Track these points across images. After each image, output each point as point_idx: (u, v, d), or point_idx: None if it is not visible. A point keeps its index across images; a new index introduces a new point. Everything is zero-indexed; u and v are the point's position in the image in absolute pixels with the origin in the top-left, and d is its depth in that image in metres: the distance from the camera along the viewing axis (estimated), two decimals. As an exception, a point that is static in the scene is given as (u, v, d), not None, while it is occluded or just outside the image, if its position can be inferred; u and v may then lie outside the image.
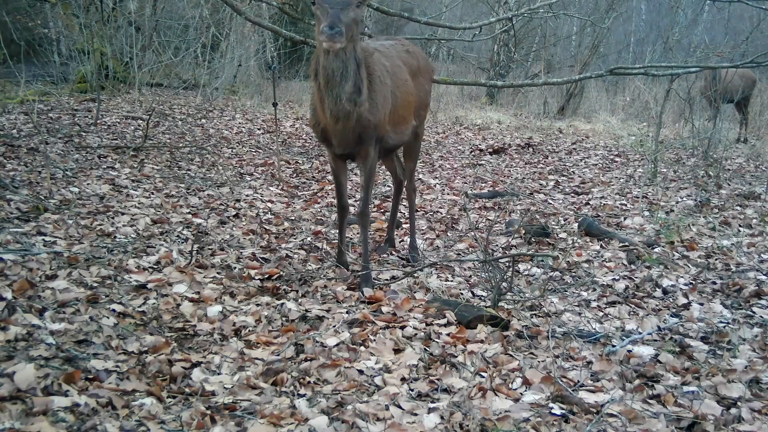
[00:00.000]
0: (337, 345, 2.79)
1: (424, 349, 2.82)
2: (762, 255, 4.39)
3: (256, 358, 2.67)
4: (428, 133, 10.39)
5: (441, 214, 5.48)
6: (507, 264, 3.53)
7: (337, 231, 3.88)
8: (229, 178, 6.16)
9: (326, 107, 3.26)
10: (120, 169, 5.75)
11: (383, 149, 3.69)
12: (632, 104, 14.04)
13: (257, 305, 3.20)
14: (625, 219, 5.39)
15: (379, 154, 3.65)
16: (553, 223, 5.27)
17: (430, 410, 2.34)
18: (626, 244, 4.57)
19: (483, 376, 2.62)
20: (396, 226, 4.96)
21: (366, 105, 3.30)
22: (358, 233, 4.46)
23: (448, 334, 2.97)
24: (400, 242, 4.62)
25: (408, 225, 5.06)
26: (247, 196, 5.56)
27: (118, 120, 8.26)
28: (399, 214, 5.39)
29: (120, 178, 5.46)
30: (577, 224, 5.11)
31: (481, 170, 7.63)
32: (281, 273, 3.65)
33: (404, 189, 4.43)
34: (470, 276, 3.96)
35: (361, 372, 2.59)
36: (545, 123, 12.25)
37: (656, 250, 4.47)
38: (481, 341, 2.93)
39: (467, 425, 2.24)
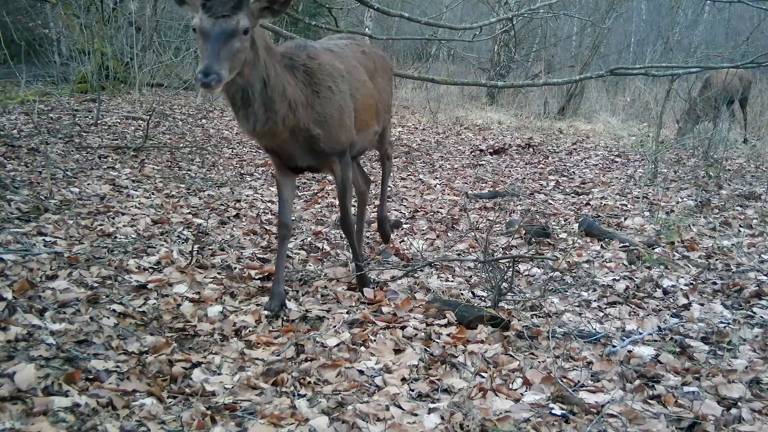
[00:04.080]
0: (338, 345, 2.79)
1: (425, 349, 2.82)
2: (762, 255, 4.38)
3: (257, 359, 2.67)
4: (428, 133, 10.40)
5: (441, 214, 5.48)
6: (507, 264, 3.53)
7: (277, 254, 3.36)
8: (230, 178, 6.17)
9: (242, 127, 2.98)
10: (120, 170, 5.75)
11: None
12: (633, 104, 14.04)
13: (257, 305, 3.20)
14: (625, 219, 5.39)
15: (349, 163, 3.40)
16: (553, 223, 5.27)
17: (430, 410, 2.34)
18: (626, 244, 4.56)
19: (483, 377, 2.62)
20: (396, 227, 4.96)
21: (304, 118, 3.04)
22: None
23: (448, 335, 2.97)
24: (400, 241, 4.61)
25: (407, 225, 5.07)
26: (247, 196, 5.56)
27: (119, 120, 8.26)
28: (399, 215, 5.39)
29: (120, 178, 5.46)
30: (577, 224, 5.11)
31: (482, 170, 7.63)
32: (281, 273, 3.65)
33: (384, 164, 4.19)
34: (470, 276, 3.96)
35: (361, 372, 2.59)
36: (546, 123, 12.25)
37: (656, 250, 4.47)
38: (482, 341, 2.93)
39: (467, 425, 2.24)
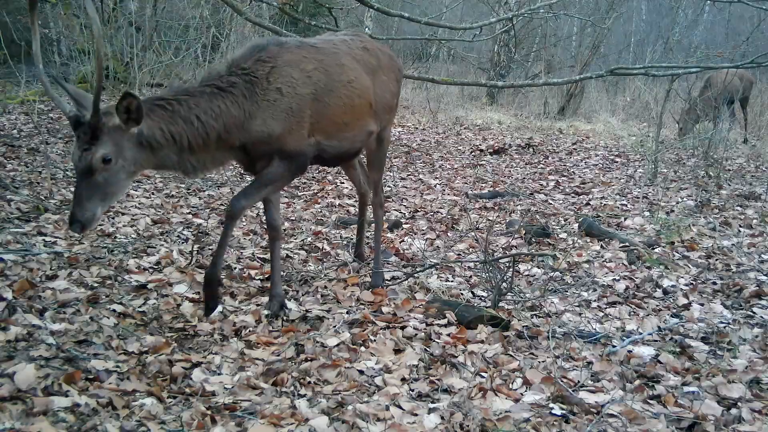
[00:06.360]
0: (338, 345, 2.79)
1: (425, 349, 2.82)
2: (762, 255, 4.38)
3: (257, 359, 2.67)
4: (428, 133, 10.39)
5: (441, 214, 5.48)
6: (507, 264, 3.53)
7: (271, 257, 3.29)
8: (230, 178, 6.17)
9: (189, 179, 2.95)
10: (120, 170, 5.75)
11: (319, 160, 3.32)
12: (632, 104, 14.04)
13: (257, 305, 3.20)
14: (625, 219, 5.39)
15: (301, 169, 3.21)
16: (553, 223, 5.27)
17: (430, 410, 2.34)
18: (627, 244, 4.56)
19: (483, 377, 2.62)
20: (396, 226, 4.96)
21: (240, 134, 2.90)
22: (353, 234, 4.45)
23: (448, 335, 2.97)
24: (400, 241, 4.61)
25: (407, 225, 5.07)
26: (247, 196, 5.55)
27: (119, 120, 8.25)
28: (399, 215, 5.39)
29: (120, 178, 5.46)
30: (577, 224, 5.11)
31: (482, 170, 7.63)
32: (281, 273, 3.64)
33: (370, 204, 3.94)
34: (470, 276, 3.96)
35: (361, 372, 2.59)
36: (545, 123, 12.25)
37: (656, 250, 4.47)
38: (482, 341, 2.93)
39: (467, 425, 2.24)
